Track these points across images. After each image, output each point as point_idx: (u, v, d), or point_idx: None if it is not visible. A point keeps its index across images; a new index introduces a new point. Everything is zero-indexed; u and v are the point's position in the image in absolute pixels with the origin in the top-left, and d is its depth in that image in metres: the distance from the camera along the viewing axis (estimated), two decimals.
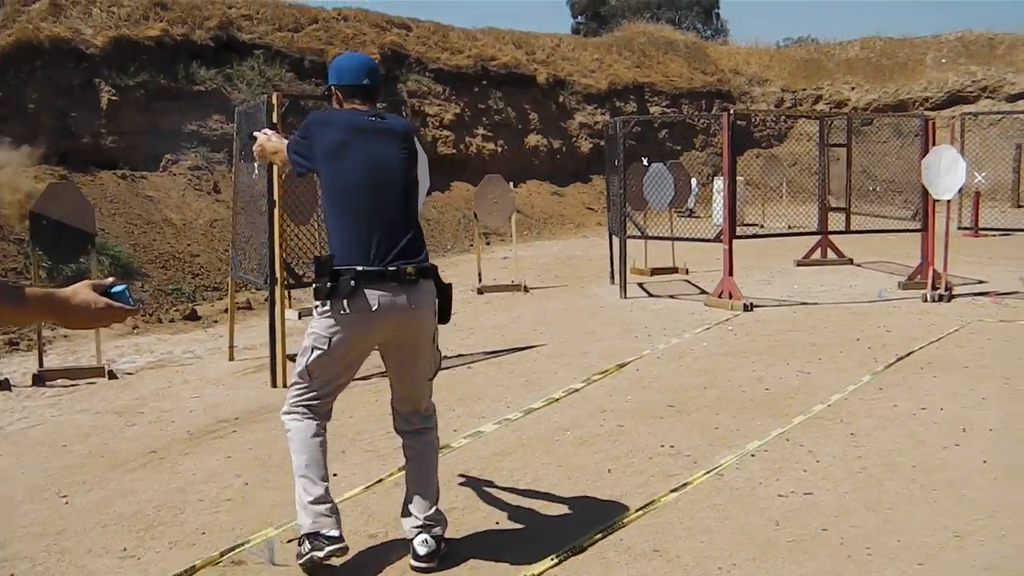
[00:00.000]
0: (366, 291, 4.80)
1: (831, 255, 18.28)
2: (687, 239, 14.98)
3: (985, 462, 6.57)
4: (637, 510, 5.76)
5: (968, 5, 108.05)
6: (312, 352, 4.96)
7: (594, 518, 5.65)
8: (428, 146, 24.50)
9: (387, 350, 5.13)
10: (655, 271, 16.88)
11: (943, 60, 35.84)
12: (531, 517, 5.75)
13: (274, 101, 9.36)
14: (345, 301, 4.80)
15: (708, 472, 6.42)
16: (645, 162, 16.75)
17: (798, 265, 17.96)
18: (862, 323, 11.97)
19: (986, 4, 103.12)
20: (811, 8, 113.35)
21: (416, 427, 5.27)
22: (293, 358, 10.47)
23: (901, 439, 7.13)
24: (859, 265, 17.91)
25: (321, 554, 4.84)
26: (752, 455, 6.80)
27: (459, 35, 27.99)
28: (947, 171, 13.87)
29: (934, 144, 14.65)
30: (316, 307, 4.92)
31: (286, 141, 5.44)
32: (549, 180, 27.65)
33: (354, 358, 5.10)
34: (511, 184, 16.35)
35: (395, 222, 4.94)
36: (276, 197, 9.37)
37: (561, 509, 5.85)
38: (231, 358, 10.85)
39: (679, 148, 31.61)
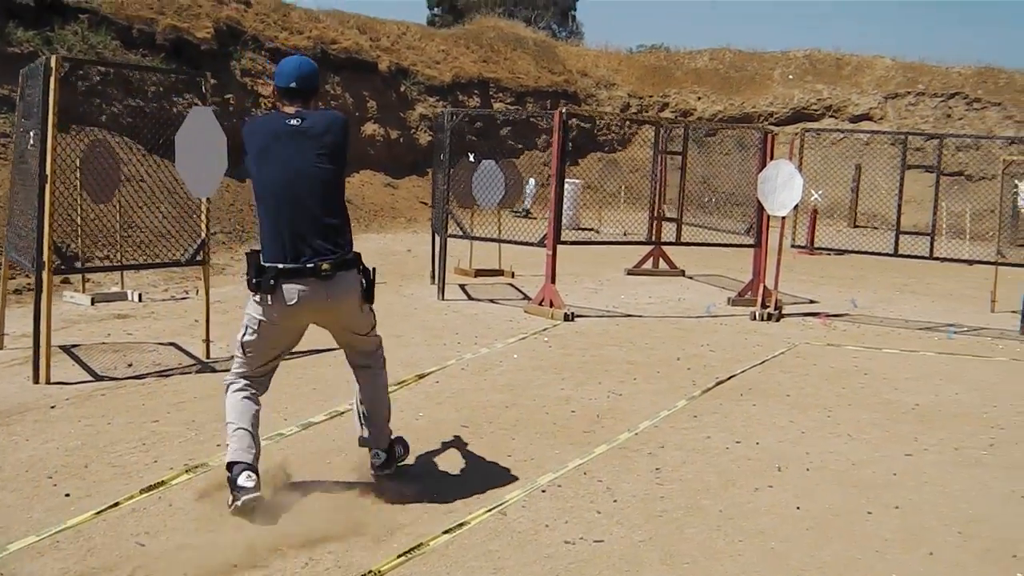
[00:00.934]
0: (284, 286, 5.33)
1: (663, 265, 17.79)
2: (511, 241, 14.19)
3: (798, 508, 5.95)
4: (400, 555, 4.96)
5: (818, 25, 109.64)
6: (246, 332, 5.54)
7: (347, 564, 4.85)
8: None
9: (321, 325, 5.77)
10: (480, 272, 16.14)
11: (790, 76, 35.83)
12: (273, 560, 4.92)
13: (52, 64, 8.35)
14: (268, 296, 5.34)
15: (490, 510, 5.64)
16: (472, 158, 15.97)
17: (628, 274, 17.41)
18: (685, 340, 11.39)
19: (834, 25, 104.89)
20: (666, 14, 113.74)
21: (360, 364, 6.00)
22: (68, 350, 9.57)
23: (710, 477, 6.47)
24: (691, 277, 17.45)
25: (239, 503, 5.26)
26: (543, 490, 6.06)
27: (301, 15, 26.90)
28: (784, 187, 13.38)
29: (772, 158, 14.17)
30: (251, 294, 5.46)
31: None
32: (384, 171, 26.70)
33: (280, 340, 5.64)
34: None
35: (309, 221, 5.36)
36: (48, 171, 8.35)
37: (308, 552, 5.01)
38: (0, 346, 9.77)
39: (521, 146, 30.95)
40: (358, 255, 5.62)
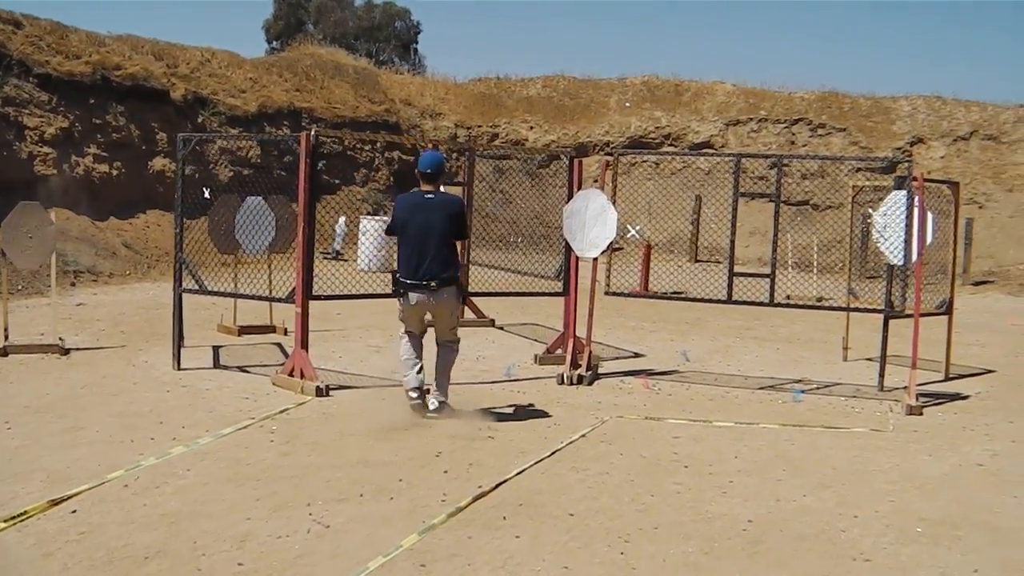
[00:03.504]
0: (409, 293, 8.80)
1: (469, 315, 15.27)
2: (250, 296, 11.52)
3: None
4: None
5: (655, 52, 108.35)
6: (399, 313, 9.13)
7: None
8: (24, 164, 20.48)
9: (430, 316, 9.18)
10: (245, 330, 13.47)
11: (627, 103, 33.82)
12: None
13: None
14: (400, 297, 8.88)
15: None
16: (207, 194, 13.27)
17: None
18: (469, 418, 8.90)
19: (673, 50, 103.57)
20: (506, 44, 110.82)
21: (443, 344, 9.22)
22: None
23: None
24: (501, 328, 15.02)
25: (409, 404, 8.95)
26: None
27: (82, 38, 23.81)
28: (594, 222, 11.08)
29: (579, 188, 11.82)
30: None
31: None
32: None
33: (414, 318, 9.13)
34: (47, 214, 12.40)
35: (431, 257, 8.71)
36: None
37: None
38: None
39: (337, 182, 28.40)
40: (457, 277, 8.95)
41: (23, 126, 20.93)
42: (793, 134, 31.57)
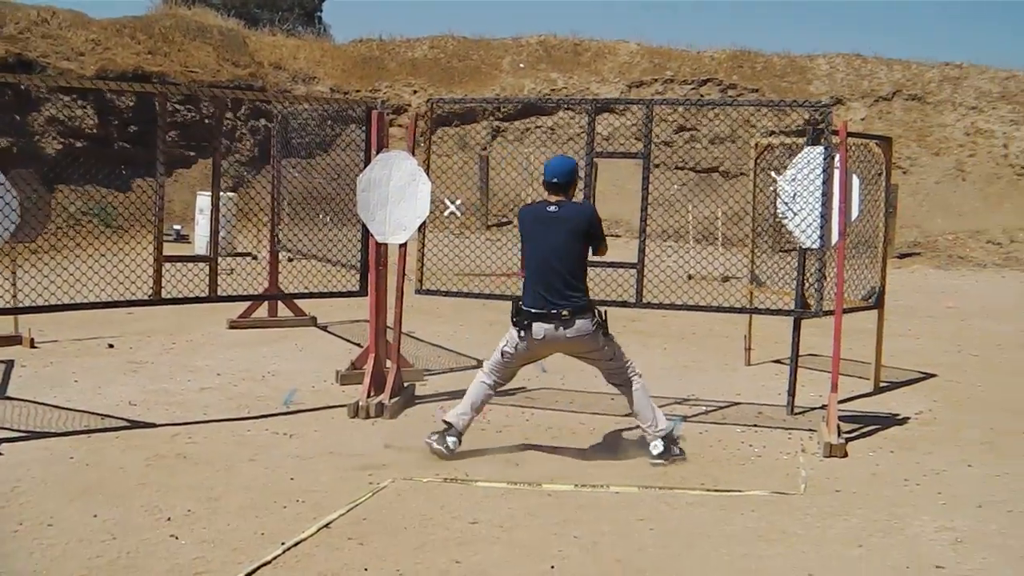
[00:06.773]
0: (534, 325, 7.01)
1: (284, 311, 12.22)
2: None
3: None
4: None
5: (552, 7, 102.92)
6: (506, 343, 7.21)
7: None
8: None
9: (570, 355, 7.49)
10: None
11: (521, 65, 30.92)
12: None
13: None
14: (522, 331, 7.06)
15: None
16: None
17: (231, 327, 11.80)
18: (165, 495, 5.85)
19: (572, 7, 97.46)
20: (392, 5, 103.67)
21: (616, 383, 7.44)
22: None
23: None
24: (324, 327, 11.99)
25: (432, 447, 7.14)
26: None
27: None
28: (400, 195, 8.15)
29: (384, 149, 8.78)
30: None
31: None
32: None
33: (522, 361, 7.38)
34: None
35: (556, 281, 7.04)
36: None
37: None
38: None
39: (193, 154, 25.22)
40: (591, 302, 7.19)
41: None
42: (702, 95, 28.90)
